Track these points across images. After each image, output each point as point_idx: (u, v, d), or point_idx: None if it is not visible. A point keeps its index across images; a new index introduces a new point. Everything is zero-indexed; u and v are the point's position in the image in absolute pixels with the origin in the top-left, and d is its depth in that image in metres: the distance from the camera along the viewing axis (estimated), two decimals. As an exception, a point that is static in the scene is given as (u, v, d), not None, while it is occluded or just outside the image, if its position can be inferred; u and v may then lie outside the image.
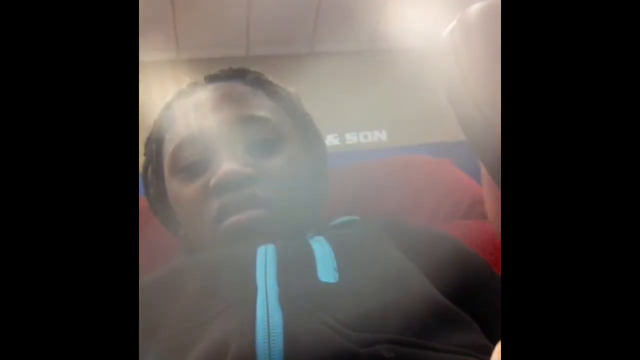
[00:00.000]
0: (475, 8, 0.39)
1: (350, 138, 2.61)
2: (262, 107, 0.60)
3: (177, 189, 0.58)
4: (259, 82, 0.63)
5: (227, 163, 0.54)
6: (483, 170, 0.43)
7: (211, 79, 0.64)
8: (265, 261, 0.44)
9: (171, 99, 0.64)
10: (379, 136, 2.63)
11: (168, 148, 0.60)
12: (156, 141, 0.64)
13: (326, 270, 0.44)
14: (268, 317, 0.37)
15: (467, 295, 0.46)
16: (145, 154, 0.66)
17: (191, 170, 0.57)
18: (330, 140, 2.49)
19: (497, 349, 0.30)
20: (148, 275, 0.51)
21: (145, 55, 2.45)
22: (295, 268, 0.44)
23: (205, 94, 0.61)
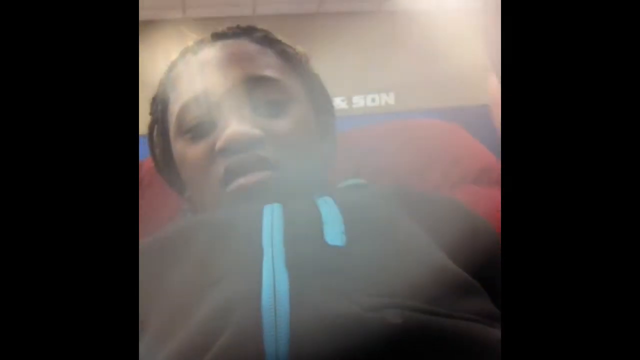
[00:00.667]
0: None
1: (358, 101, 2.59)
2: (271, 67, 0.59)
3: (183, 150, 0.58)
4: (268, 41, 0.62)
5: (235, 124, 0.53)
6: None
7: (218, 37, 0.62)
8: (272, 221, 0.44)
9: (177, 58, 0.63)
10: (387, 99, 2.61)
11: (174, 108, 0.59)
12: (162, 101, 0.63)
13: (334, 233, 0.43)
14: (274, 279, 0.37)
15: (476, 261, 0.46)
16: (151, 114, 0.65)
17: (197, 131, 0.56)
18: (338, 103, 2.47)
19: None
20: (151, 235, 0.51)
21: (151, 14, 2.41)
22: (302, 230, 0.44)
23: (212, 52, 0.59)
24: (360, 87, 2.58)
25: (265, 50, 0.60)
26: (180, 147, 0.58)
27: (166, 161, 0.64)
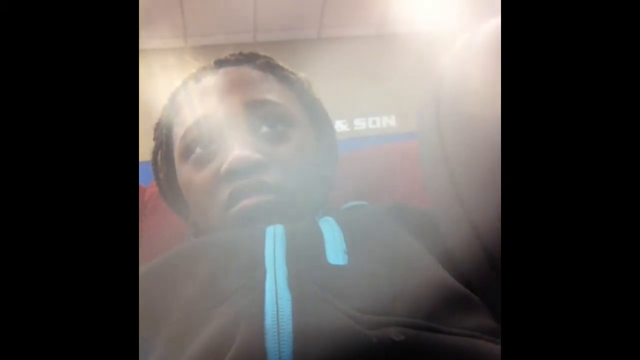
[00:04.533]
0: (483, 30, 0.39)
1: (359, 124, 2.60)
2: (273, 92, 0.60)
3: (188, 174, 0.59)
4: (269, 67, 0.63)
5: (238, 149, 0.54)
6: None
7: (221, 63, 0.63)
8: (274, 242, 0.45)
9: (180, 84, 0.64)
10: (388, 122, 2.62)
11: (178, 133, 0.60)
12: (166, 126, 0.64)
13: (335, 253, 0.44)
14: (277, 299, 0.38)
15: (477, 277, 0.46)
16: (155, 139, 0.66)
17: (202, 155, 0.57)
18: (339, 126, 2.48)
19: None
20: (156, 258, 0.51)
21: (154, 43, 2.45)
22: (304, 250, 0.44)
23: (214, 79, 0.61)
24: (361, 110, 2.60)
25: (267, 77, 0.62)
26: (184, 172, 0.59)
27: (170, 185, 0.65)
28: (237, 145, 0.54)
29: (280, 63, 0.65)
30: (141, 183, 0.86)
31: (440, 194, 0.43)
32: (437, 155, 0.41)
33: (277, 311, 0.36)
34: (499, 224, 0.33)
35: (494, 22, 0.41)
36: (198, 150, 0.57)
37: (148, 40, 2.43)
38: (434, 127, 0.42)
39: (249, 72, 0.62)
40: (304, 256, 0.43)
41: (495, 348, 0.38)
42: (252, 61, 0.63)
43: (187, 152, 0.58)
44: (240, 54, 0.64)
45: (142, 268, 0.49)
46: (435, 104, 0.43)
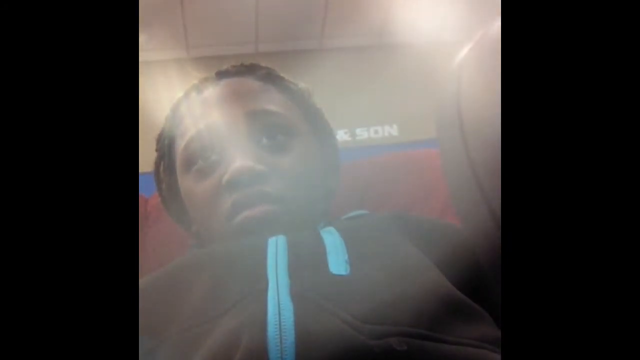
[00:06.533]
0: (489, 35, 0.39)
1: (361, 133, 2.61)
2: (274, 102, 0.60)
3: (190, 185, 0.59)
4: (270, 78, 0.64)
5: (240, 159, 0.54)
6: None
7: (222, 74, 0.64)
8: (276, 253, 0.45)
9: (182, 95, 0.65)
10: (390, 131, 2.63)
11: (180, 144, 0.61)
12: (168, 137, 0.64)
13: (337, 263, 0.44)
14: (279, 310, 0.38)
15: (479, 286, 0.46)
16: (157, 150, 0.67)
17: (204, 166, 0.58)
18: (341, 135, 2.49)
19: None
20: (159, 269, 0.51)
21: (157, 55, 2.47)
22: (306, 260, 0.44)
23: (216, 90, 0.61)
24: (363, 120, 2.60)
25: (268, 87, 0.62)
26: (187, 183, 0.60)
27: (172, 196, 0.65)
28: (238, 156, 0.55)
29: (282, 73, 0.66)
30: (144, 194, 0.86)
31: (466, 198, 0.43)
32: (462, 159, 0.41)
33: (280, 321, 0.36)
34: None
35: None
36: (200, 161, 0.58)
37: (150, 52, 2.45)
38: (456, 129, 0.42)
39: (250, 83, 0.62)
40: (306, 266, 0.43)
41: (499, 358, 0.38)
42: (253, 72, 0.64)
43: (189, 163, 0.59)
44: (242, 65, 0.65)
45: (145, 279, 0.49)
46: (456, 104, 0.42)
